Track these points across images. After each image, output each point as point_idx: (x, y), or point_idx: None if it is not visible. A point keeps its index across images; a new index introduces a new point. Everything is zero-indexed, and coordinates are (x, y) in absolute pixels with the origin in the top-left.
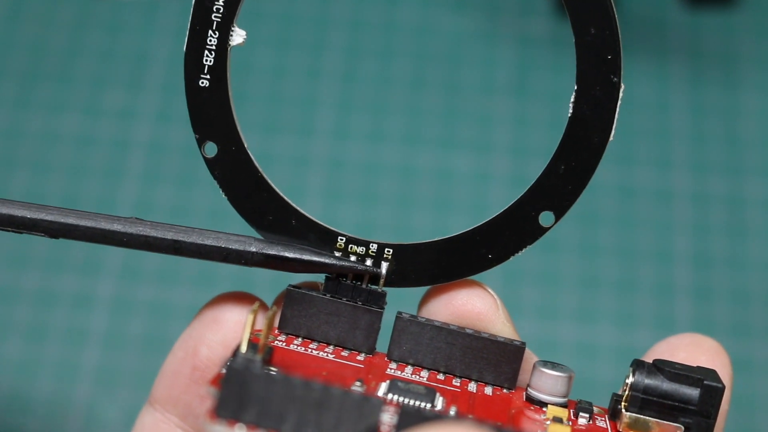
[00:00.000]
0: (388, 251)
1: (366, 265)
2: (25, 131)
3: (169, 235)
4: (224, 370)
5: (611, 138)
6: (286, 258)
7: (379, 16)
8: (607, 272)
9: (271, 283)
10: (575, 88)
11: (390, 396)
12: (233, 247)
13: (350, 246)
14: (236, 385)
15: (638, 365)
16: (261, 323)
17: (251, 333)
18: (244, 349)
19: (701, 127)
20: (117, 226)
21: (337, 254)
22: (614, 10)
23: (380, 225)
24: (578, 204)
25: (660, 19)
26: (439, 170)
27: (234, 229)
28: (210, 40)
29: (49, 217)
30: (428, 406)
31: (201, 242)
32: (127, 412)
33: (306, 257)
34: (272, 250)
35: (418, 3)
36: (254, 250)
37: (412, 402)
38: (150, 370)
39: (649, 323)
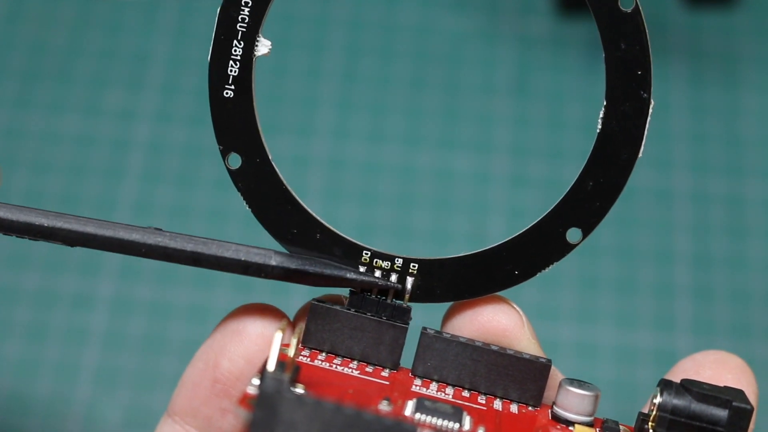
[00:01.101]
0: (414, 266)
1: (388, 281)
2: (25, 131)
3: (189, 247)
4: (251, 390)
5: (640, 155)
6: (307, 272)
7: (379, 16)
8: (607, 272)
9: (271, 284)
10: (604, 103)
11: (418, 416)
12: (253, 261)
13: (375, 260)
14: (268, 408)
15: (666, 385)
16: (285, 339)
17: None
18: (271, 367)
19: (701, 127)
20: (136, 237)
21: (362, 269)
22: (645, 25)
23: (380, 225)
24: None
25: (660, 19)
26: (439, 170)
27: (234, 230)
28: (235, 51)
29: (67, 226)
30: (456, 426)
31: (221, 255)
32: (127, 412)
33: (327, 272)
34: (293, 265)
35: (418, 3)
36: (274, 263)
37: (440, 422)
38: (150, 370)
39: (649, 323)
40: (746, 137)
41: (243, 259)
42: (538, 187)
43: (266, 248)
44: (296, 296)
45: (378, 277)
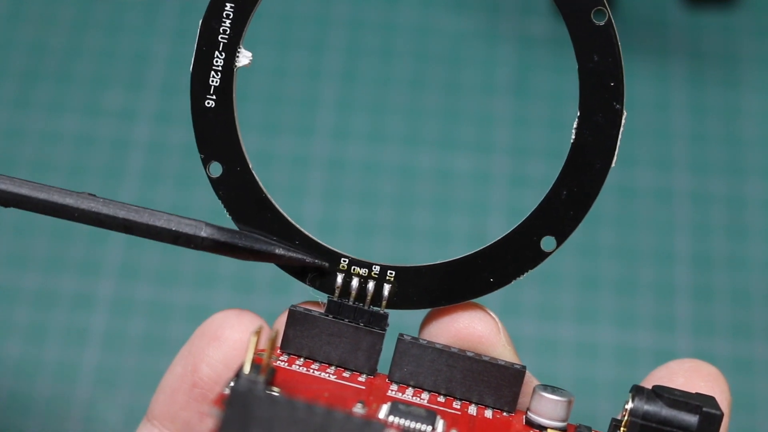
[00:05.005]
0: (391, 273)
1: (315, 260)
2: (25, 131)
3: (121, 214)
4: (227, 391)
5: (613, 164)
6: (236, 246)
7: (379, 16)
8: (607, 272)
9: (270, 285)
10: (578, 114)
11: (391, 418)
12: (183, 231)
13: (353, 267)
14: (239, 407)
15: (637, 391)
16: (263, 343)
17: (254, 353)
18: (247, 370)
19: (701, 127)
20: (69, 201)
21: (340, 276)
22: (617, 37)
23: (380, 225)
24: None
25: (660, 19)
26: (439, 170)
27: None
28: (216, 61)
29: (1, 186)
30: (429, 429)
31: (151, 223)
32: (127, 412)
33: (257, 247)
34: (222, 237)
35: (418, 3)
36: (204, 235)
37: (412, 424)
38: (150, 370)
39: (649, 323)
40: (746, 137)
41: (174, 228)
42: (538, 187)
43: (198, 219)
44: (295, 297)
45: (306, 254)
